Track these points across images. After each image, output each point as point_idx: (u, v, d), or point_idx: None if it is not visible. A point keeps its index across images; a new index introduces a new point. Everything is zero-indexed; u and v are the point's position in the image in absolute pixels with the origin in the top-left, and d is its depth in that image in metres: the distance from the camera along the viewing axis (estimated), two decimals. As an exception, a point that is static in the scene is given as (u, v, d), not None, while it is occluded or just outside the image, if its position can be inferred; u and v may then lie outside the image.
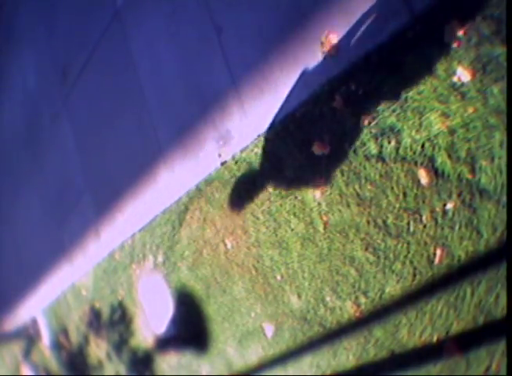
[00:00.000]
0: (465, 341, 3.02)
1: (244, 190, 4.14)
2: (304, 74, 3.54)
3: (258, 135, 3.93)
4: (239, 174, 4.15)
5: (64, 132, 7.09)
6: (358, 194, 3.33)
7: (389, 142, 3.10)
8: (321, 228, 3.61)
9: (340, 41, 3.28)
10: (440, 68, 2.81)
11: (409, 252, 3.14)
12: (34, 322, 9.64)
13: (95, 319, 7.29)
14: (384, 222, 3.22)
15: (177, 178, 4.88)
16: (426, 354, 3.22)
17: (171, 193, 4.99)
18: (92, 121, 6.32)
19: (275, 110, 3.78)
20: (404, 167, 3.06)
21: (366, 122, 3.20)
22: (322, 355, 3.88)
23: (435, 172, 2.92)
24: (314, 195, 3.60)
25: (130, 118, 5.45)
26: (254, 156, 3.99)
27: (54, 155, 7.55)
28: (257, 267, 4.17)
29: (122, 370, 6.88)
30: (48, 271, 8.52)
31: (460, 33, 2.71)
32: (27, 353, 10.49)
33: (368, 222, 3.31)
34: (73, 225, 7.26)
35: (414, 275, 3.14)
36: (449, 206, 2.90)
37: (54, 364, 9.32)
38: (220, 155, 4.31)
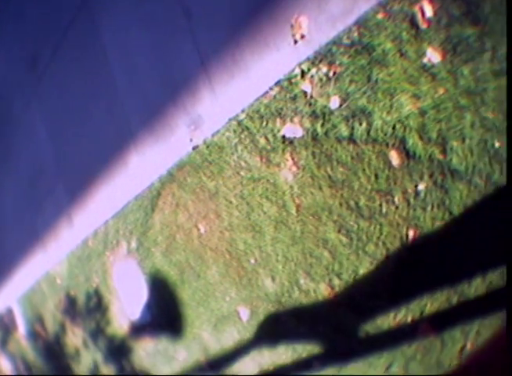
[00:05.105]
0: (439, 322, 3.04)
1: (216, 174, 4.12)
2: (274, 57, 3.53)
3: (229, 119, 3.91)
4: (210, 158, 4.13)
5: (35, 120, 7.02)
6: (330, 176, 3.33)
7: (360, 124, 3.10)
8: (294, 211, 3.61)
9: (310, 24, 3.26)
10: (410, 49, 2.81)
11: (381, 234, 3.15)
12: (10, 311, 9.57)
13: (70, 308, 7.25)
14: (357, 203, 3.23)
15: (148, 163, 4.85)
16: (400, 335, 3.25)
17: (143, 178, 4.96)
18: (63, 107, 6.26)
19: (246, 93, 3.77)
20: (375, 148, 3.06)
21: (337, 104, 3.20)
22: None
23: (406, 153, 2.93)
24: (286, 178, 3.59)
25: (101, 104, 5.40)
26: (226, 140, 3.97)
27: (26, 143, 7.47)
28: (231, 251, 4.17)
29: (99, 357, 6.87)
30: (22, 260, 8.46)
31: (430, 14, 2.71)
32: (3, 343, 10.43)
33: (340, 204, 3.32)
34: (47, 213, 7.21)
35: (387, 256, 3.16)
36: (421, 187, 2.91)
37: (31, 353, 9.28)
38: (191, 140, 4.29)
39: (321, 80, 3.26)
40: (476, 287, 2.81)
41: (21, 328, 9.34)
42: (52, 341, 8.24)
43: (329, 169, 3.32)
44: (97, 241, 6.05)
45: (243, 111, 3.81)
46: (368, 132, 3.07)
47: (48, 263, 7.55)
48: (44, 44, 6.35)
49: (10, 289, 9.37)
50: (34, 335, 8.92)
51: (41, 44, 6.41)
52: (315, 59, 3.27)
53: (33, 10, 6.53)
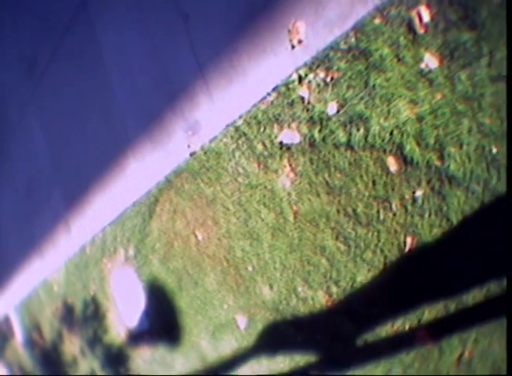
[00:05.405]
0: (437, 330, 3.02)
1: (214, 181, 4.11)
2: (272, 62, 3.51)
3: (227, 125, 3.90)
4: (208, 164, 4.12)
5: (32, 125, 7.02)
6: (327, 183, 3.31)
7: (358, 130, 3.08)
8: (291, 218, 3.59)
9: (307, 29, 3.25)
10: (407, 55, 2.79)
11: (379, 241, 3.13)
12: (7, 319, 9.56)
13: (67, 315, 7.23)
14: (354, 210, 3.21)
15: (146, 169, 4.83)
16: (398, 343, 3.22)
17: (141, 185, 4.94)
18: (60, 113, 6.26)
19: (244, 99, 3.75)
20: (373, 155, 3.04)
21: (335, 110, 3.18)
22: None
23: (404, 160, 2.91)
24: (283, 184, 3.58)
25: (98, 109, 5.39)
26: (223, 146, 3.95)
27: (22, 148, 7.47)
28: (229, 258, 4.14)
29: (96, 365, 6.84)
30: (20, 267, 8.45)
31: (427, 19, 2.70)
32: (0, 351, 10.41)
33: (338, 211, 3.29)
34: (44, 221, 7.19)
35: (385, 263, 3.13)
36: (419, 193, 2.89)
37: (28, 361, 9.26)
38: (189, 146, 4.27)
39: (318, 85, 3.24)
40: (474, 294, 2.79)
41: (18, 336, 9.33)
42: (50, 348, 8.22)
43: (326, 175, 3.30)
44: (95, 248, 6.03)
45: (240, 117, 3.79)
46: (365, 138, 3.05)
47: (45, 270, 7.54)
48: (41, 48, 6.35)
49: (7, 297, 9.36)
50: (31, 343, 8.90)
51: (39, 48, 6.41)
52: (313, 65, 3.25)
53: (30, 15, 6.54)
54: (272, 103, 3.54)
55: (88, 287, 6.42)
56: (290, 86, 3.40)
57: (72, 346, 7.41)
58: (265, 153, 3.65)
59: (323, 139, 3.27)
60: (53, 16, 5.93)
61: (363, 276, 3.27)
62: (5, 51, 7.49)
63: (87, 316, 6.67)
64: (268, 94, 3.55)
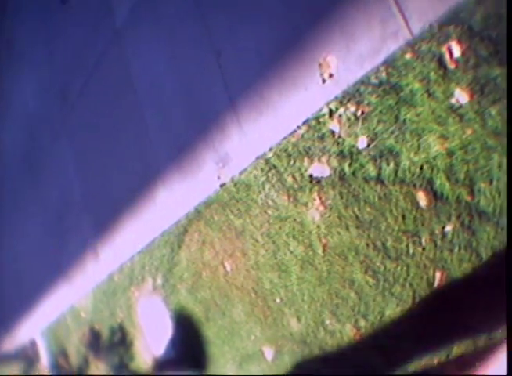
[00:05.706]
0: (466, 365, 2.98)
1: (243, 213, 4.12)
2: (302, 95, 3.54)
3: (257, 158, 3.92)
4: (238, 196, 4.14)
5: (64, 154, 7.11)
6: (357, 217, 3.31)
7: (388, 165, 3.09)
8: (320, 251, 3.59)
9: (338, 63, 3.28)
10: (438, 90, 2.80)
11: (408, 275, 3.11)
12: (33, 344, 9.58)
13: (94, 342, 7.24)
14: (384, 244, 3.20)
15: (176, 199, 4.86)
16: (427, 378, 3.20)
17: (170, 214, 4.97)
18: (92, 142, 6.33)
19: (274, 132, 3.78)
20: (403, 189, 3.04)
21: (365, 144, 3.19)
22: (322, 379, 3.85)
23: (434, 194, 2.91)
24: (313, 217, 3.58)
25: (129, 139, 5.45)
26: (253, 178, 3.98)
27: (54, 176, 7.55)
28: (257, 290, 4.14)
29: (122, 393, 6.83)
30: (47, 293, 8.48)
31: (458, 54, 2.71)
32: (25, 374, 10.42)
33: (367, 245, 3.29)
34: (72, 247, 7.24)
35: (414, 298, 3.12)
36: (448, 228, 2.88)
37: (53, 387, 9.26)
38: (219, 177, 4.30)
39: (349, 119, 3.26)
40: (503, 330, 2.76)
41: (44, 360, 9.34)
42: (75, 374, 8.21)
43: (356, 209, 3.31)
44: (123, 276, 6.05)
45: (270, 149, 3.82)
46: (395, 173, 3.06)
47: (73, 296, 7.56)
48: (74, 77, 6.47)
49: (34, 322, 9.40)
50: (57, 368, 8.90)
51: (72, 77, 6.53)
52: (343, 99, 3.28)
53: (64, 44, 6.66)
54: (302, 136, 3.57)
55: (115, 315, 6.44)
56: (321, 120, 3.43)
57: (98, 372, 7.40)
58: (295, 186, 3.67)
59: (353, 173, 3.28)
60: (86, 46, 6.04)
61: (392, 310, 3.25)
62: (40, 80, 7.63)
63: (113, 343, 6.68)
64: (299, 127, 3.58)
